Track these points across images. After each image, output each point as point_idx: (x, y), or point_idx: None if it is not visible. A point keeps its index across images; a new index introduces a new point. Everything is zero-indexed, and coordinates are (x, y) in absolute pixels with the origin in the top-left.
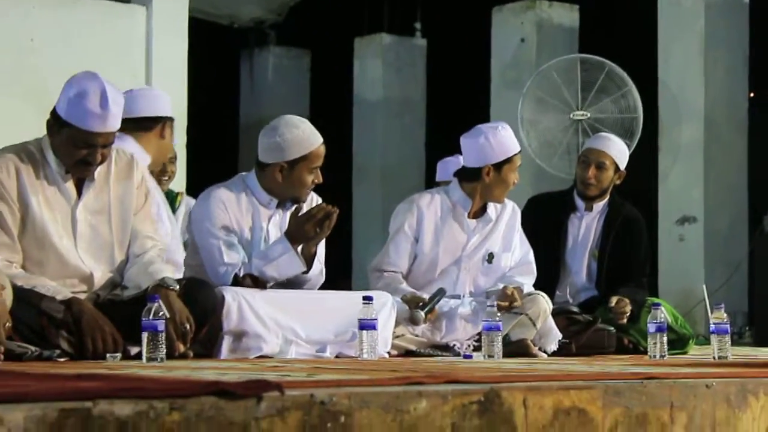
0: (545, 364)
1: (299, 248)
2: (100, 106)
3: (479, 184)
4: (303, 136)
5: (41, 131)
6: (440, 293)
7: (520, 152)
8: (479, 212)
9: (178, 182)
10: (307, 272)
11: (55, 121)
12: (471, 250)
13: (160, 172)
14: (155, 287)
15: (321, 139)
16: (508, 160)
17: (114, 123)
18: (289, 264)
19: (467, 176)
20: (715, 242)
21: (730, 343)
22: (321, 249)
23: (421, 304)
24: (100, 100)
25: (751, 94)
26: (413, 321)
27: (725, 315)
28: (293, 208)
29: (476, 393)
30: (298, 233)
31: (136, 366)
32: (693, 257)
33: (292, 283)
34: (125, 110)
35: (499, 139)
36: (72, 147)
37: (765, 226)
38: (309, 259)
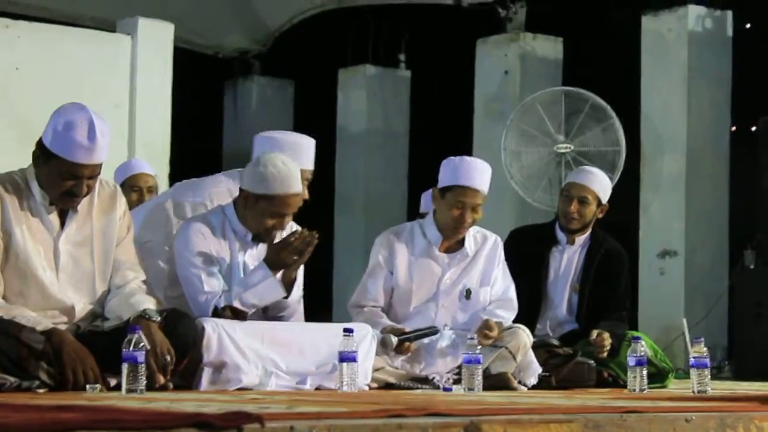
0: (525, 398)
1: (279, 274)
2: (88, 139)
3: (438, 208)
4: (278, 177)
5: (25, 160)
6: (431, 331)
7: (474, 191)
8: (455, 246)
9: None
10: (287, 297)
11: (42, 152)
12: (448, 285)
13: (138, 201)
14: (136, 318)
15: (296, 190)
16: (451, 189)
17: (101, 155)
18: (269, 290)
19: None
20: (696, 276)
21: (709, 377)
22: (300, 276)
23: (401, 335)
24: (87, 133)
25: (733, 128)
26: (383, 344)
27: (705, 349)
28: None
29: (456, 426)
30: (276, 260)
31: (116, 397)
32: (673, 291)
33: (272, 309)
34: None
35: (455, 166)
36: (58, 178)
37: (745, 260)
38: (288, 285)
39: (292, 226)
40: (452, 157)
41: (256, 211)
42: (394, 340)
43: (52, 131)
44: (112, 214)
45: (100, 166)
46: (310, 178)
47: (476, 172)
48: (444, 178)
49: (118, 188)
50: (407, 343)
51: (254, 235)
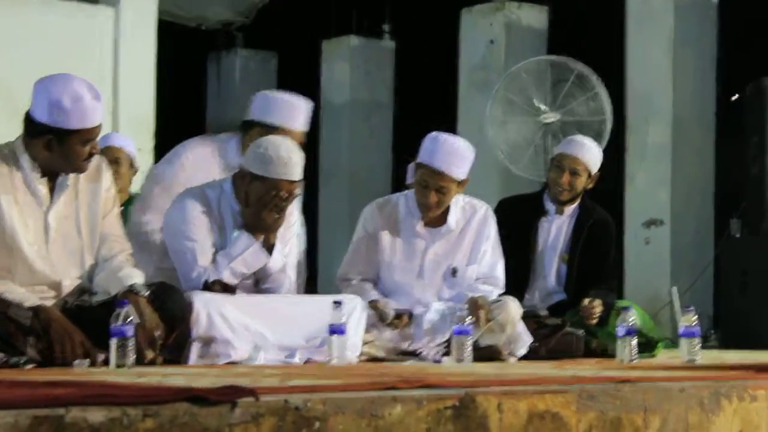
0: (517, 369)
1: (261, 240)
2: (94, 99)
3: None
4: (276, 161)
5: (7, 132)
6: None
7: (435, 172)
8: (438, 220)
9: None
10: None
11: (35, 128)
12: (432, 261)
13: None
14: (125, 293)
15: (291, 176)
16: (419, 166)
17: (102, 111)
18: (254, 256)
19: None
20: (682, 245)
21: (699, 346)
22: (289, 248)
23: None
24: (91, 94)
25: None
26: (381, 319)
27: (695, 318)
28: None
29: (451, 398)
30: (256, 222)
31: (105, 372)
32: (659, 260)
33: (260, 281)
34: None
35: (427, 143)
36: (81, 147)
37: (731, 229)
38: (268, 251)
39: (292, 213)
40: (434, 132)
41: (250, 190)
42: (391, 312)
43: (56, 110)
44: (98, 187)
45: (99, 127)
46: (302, 141)
47: (446, 154)
48: (420, 153)
49: (104, 161)
50: (404, 317)
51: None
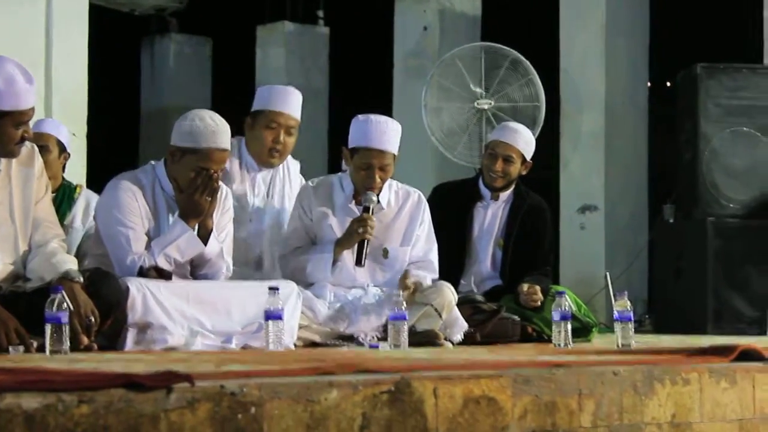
0: (453, 354)
1: (196, 228)
2: (27, 82)
3: (349, 168)
4: (204, 131)
5: None
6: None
7: (380, 152)
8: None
9: (78, 173)
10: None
11: None
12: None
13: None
14: (59, 280)
15: (222, 145)
16: (358, 151)
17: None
18: (189, 243)
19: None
20: (616, 230)
21: (633, 330)
22: (225, 235)
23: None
24: (24, 76)
25: (651, 83)
26: (366, 201)
27: (629, 303)
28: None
29: (386, 383)
30: (190, 208)
31: (41, 359)
32: (594, 245)
33: (196, 267)
34: None
35: (360, 127)
36: (13, 130)
37: (665, 214)
38: (205, 238)
39: (222, 190)
40: (359, 116)
41: (181, 165)
42: (373, 196)
43: None
44: (31, 173)
45: (32, 110)
46: (294, 126)
47: (382, 133)
48: (352, 138)
49: (35, 147)
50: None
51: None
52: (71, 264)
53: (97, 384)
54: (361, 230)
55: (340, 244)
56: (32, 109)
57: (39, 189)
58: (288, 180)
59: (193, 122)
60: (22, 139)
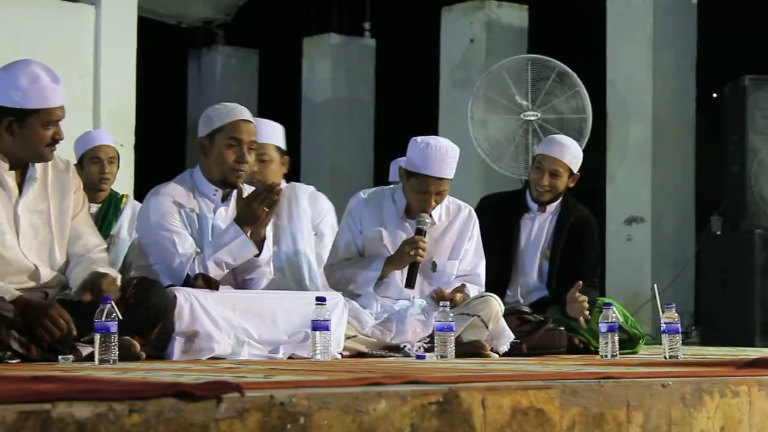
0: (500, 365)
1: (249, 233)
2: (53, 81)
3: (404, 186)
4: (224, 110)
5: None
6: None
7: (439, 180)
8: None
9: (125, 183)
10: (258, 256)
11: (6, 115)
12: None
13: (99, 173)
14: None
15: (244, 116)
16: (416, 176)
17: (62, 94)
18: (242, 248)
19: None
20: (663, 242)
21: (681, 342)
22: (269, 238)
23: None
24: (49, 76)
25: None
26: (420, 224)
27: (676, 315)
28: (235, 193)
29: (435, 393)
30: (247, 215)
31: (90, 368)
32: (641, 257)
33: (242, 272)
34: None
35: (421, 153)
36: (43, 130)
37: (712, 226)
38: (259, 244)
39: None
40: (419, 139)
41: (213, 151)
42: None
43: (14, 91)
44: (67, 189)
45: (61, 108)
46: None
47: (441, 161)
48: (411, 162)
49: (71, 164)
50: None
51: (224, 194)
52: (112, 273)
53: (148, 393)
54: (413, 252)
55: (390, 262)
56: (61, 109)
57: (76, 204)
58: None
59: (213, 109)
60: (54, 141)
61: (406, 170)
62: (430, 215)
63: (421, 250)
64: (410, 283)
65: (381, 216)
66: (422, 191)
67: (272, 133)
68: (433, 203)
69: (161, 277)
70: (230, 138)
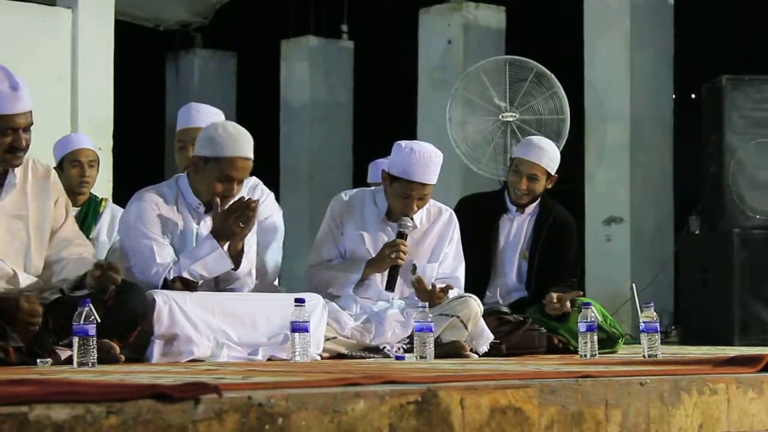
0: (479, 365)
1: (226, 246)
2: (11, 87)
3: (387, 190)
4: (227, 140)
5: None
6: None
7: (422, 185)
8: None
9: (104, 186)
10: (235, 269)
11: None
12: None
13: (79, 176)
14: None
15: (245, 153)
16: (399, 180)
17: (27, 102)
18: (217, 262)
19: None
20: (642, 242)
21: (659, 341)
22: (252, 252)
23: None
24: (8, 82)
25: (674, 95)
26: (401, 227)
27: (655, 314)
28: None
29: (413, 393)
30: (222, 230)
31: (68, 371)
32: (620, 257)
33: (222, 282)
34: None
35: (405, 158)
36: None
37: (691, 225)
38: (236, 257)
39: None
40: (403, 144)
41: (205, 175)
42: (409, 224)
43: None
44: (47, 193)
45: (31, 114)
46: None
47: (425, 167)
48: (394, 166)
49: (52, 169)
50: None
51: (207, 205)
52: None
53: (125, 395)
54: (393, 255)
55: (371, 265)
56: (22, 116)
57: (59, 212)
58: None
59: (216, 131)
60: (13, 148)
61: (390, 174)
62: (412, 218)
63: (401, 254)
64: (390, 286)
65: (362, 218)
66: (405, 196)
67: None
68: (415, 208)
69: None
70: (224, 174)
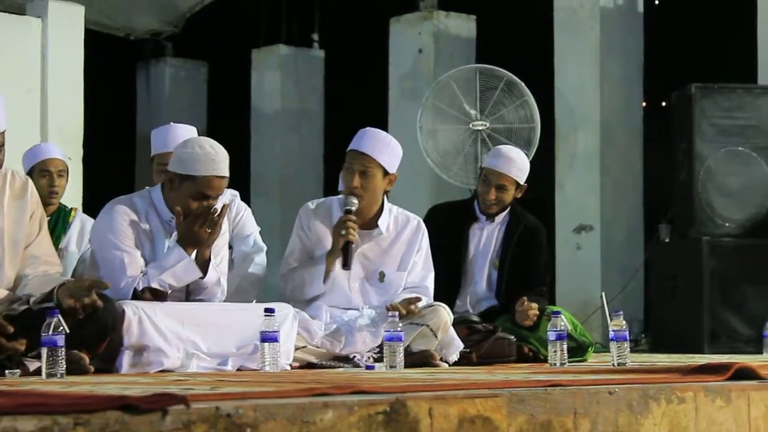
0: (448, 374)
1: (193, 255)
2: None
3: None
4: (204, 158)
5: None
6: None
7: (360, 154)
8: (369, 223)
9: (74, 196)
10: (203, 278)
11: None
12: (361, 263)
13: (49, 186)
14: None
15: (221, 172)
16: (346, 155)
17: (3, 122)
18: (185, 271)
19: None
20: (612, 250)
21: (629, 350)
22: (224, 263)
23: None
24: None
25: (645, 104)
26: (347, 204)
27: (624, 322)
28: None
29: (382, 403)
30: (188, 237)
31: (37, 382)
32: (590, 265)
33: (192, 292)
34: None
35: (357, 135)
36: None
37: (660, 234)
38: (203, 265)
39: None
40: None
41: (181, 192)
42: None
43: None
44: (23, 206)
45: (3, 135)
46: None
47: (369, 140)
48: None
49: (30, 181)
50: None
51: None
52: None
53: (92, 407)
54: (343, 232)
55: (330, 253)
56: None
57: (33, 226)
58: None
59: (192, 150)
60: None
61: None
62: (358, 198)
63: (351, 229)
64: (346, 264)
65: (330, 224)
66: (347, 167)
67: None
68: (357, 182)
69: (108, 292)
70: (199, 192)
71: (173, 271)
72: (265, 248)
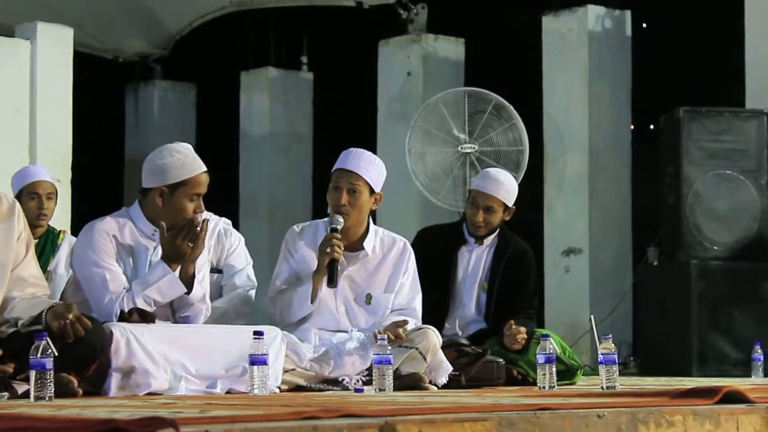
0: (437, 397)
1: (177, 270)
2: None
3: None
4: (185, 160)
5: None
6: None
7: (347, 172)
8: (355, 245)
9: (62, 219)
10: (188, 293)
11: None
12: (348, 286)
13: (38, 209)
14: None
15: (204, 168)
16: (332, 175)
17: None
18: (170, 286)
19: None
20: (600, 273)
21: (618, 373)
22: (205, 280)
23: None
24: None
25: (633, 127)
26: (333, 222)
27: (613, 345)
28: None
29: (371, 426)
30: (172, 252)
31: (25, 405)
32: (578, 288)
33: (178, 310)
34: None
35: (342, 154)
36: None
37: (649, 257)
38: (188, 282)
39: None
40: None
41: (174, 202)
42: (340, 219)
43: None
44: (11, 228)
45: None
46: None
47: (355, 158)
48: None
49: (17, 203)
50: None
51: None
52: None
53: (82, 430)
54: (328, 250)
55: (317, 272)
56: None
57: (19, 248)
58: None
59: (171, 158)
60: None
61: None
62: (345, 216)
63: (336, 247)
64: (332, 281)
65: (315, 246)
66: (334, 186)
67: None
68: (345, 200)
69: (94, 312)
70: (194, 193)
71: (158, 287)
72: (256, 285)
